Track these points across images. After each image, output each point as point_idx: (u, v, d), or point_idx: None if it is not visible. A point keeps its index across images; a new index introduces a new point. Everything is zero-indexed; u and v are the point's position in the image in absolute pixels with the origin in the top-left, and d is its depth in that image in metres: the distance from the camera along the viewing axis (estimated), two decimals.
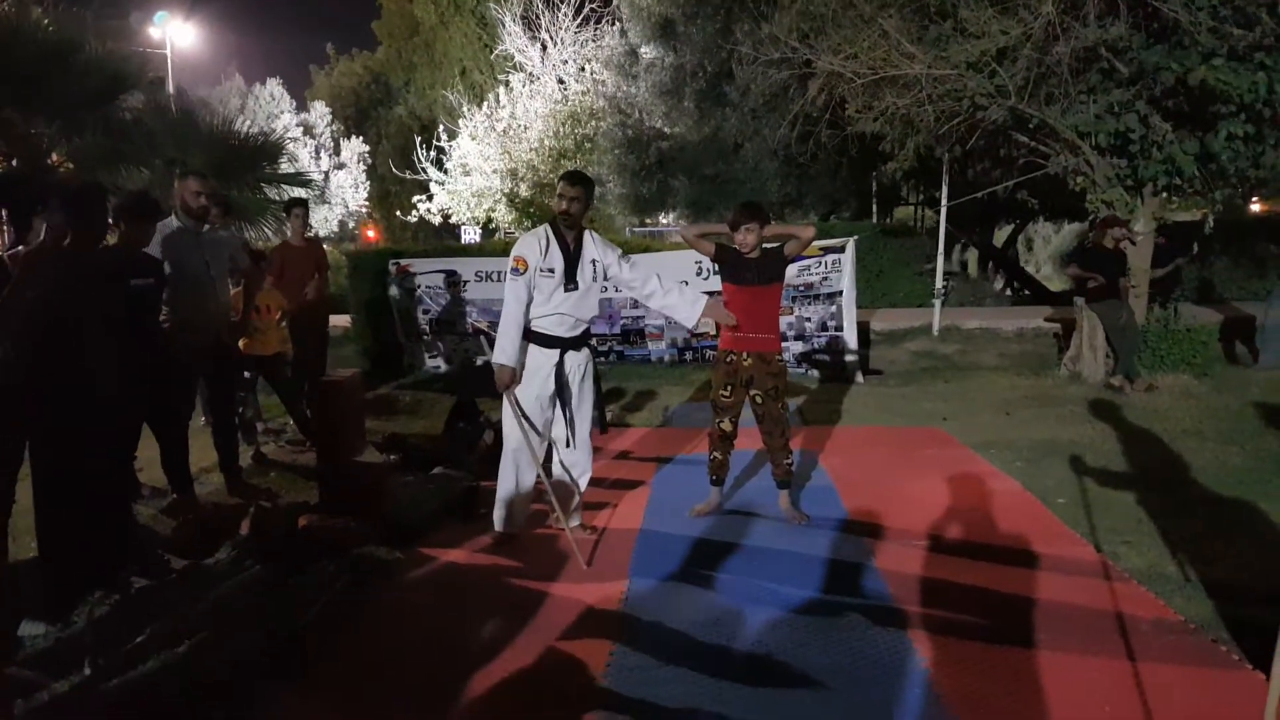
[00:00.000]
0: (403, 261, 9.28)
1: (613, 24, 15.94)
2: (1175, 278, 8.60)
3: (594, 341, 4.62)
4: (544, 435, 3.85)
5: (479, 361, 8.71)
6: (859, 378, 8.00)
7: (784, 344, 5.74)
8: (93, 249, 3.45)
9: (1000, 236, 19.13)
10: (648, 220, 17.23)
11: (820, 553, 3.57)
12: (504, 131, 16.47)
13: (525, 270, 3.65)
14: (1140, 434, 5.52)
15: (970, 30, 6.86)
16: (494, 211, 16.90)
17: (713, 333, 7.23)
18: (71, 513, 3.12)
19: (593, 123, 15.59)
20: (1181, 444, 5.17)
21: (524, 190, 16.30)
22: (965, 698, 2.43)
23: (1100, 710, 2.37)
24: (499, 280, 8.39)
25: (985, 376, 7.95)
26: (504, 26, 17.65)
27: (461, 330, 9.09)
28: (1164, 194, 7.24)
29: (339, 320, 9.31)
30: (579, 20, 17.23)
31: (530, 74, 17.32)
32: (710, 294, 4.11)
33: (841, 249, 8.02)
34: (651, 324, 8.73)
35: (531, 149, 16.17)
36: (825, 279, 8.11)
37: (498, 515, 3.89)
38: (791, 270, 5.84)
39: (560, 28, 17.18)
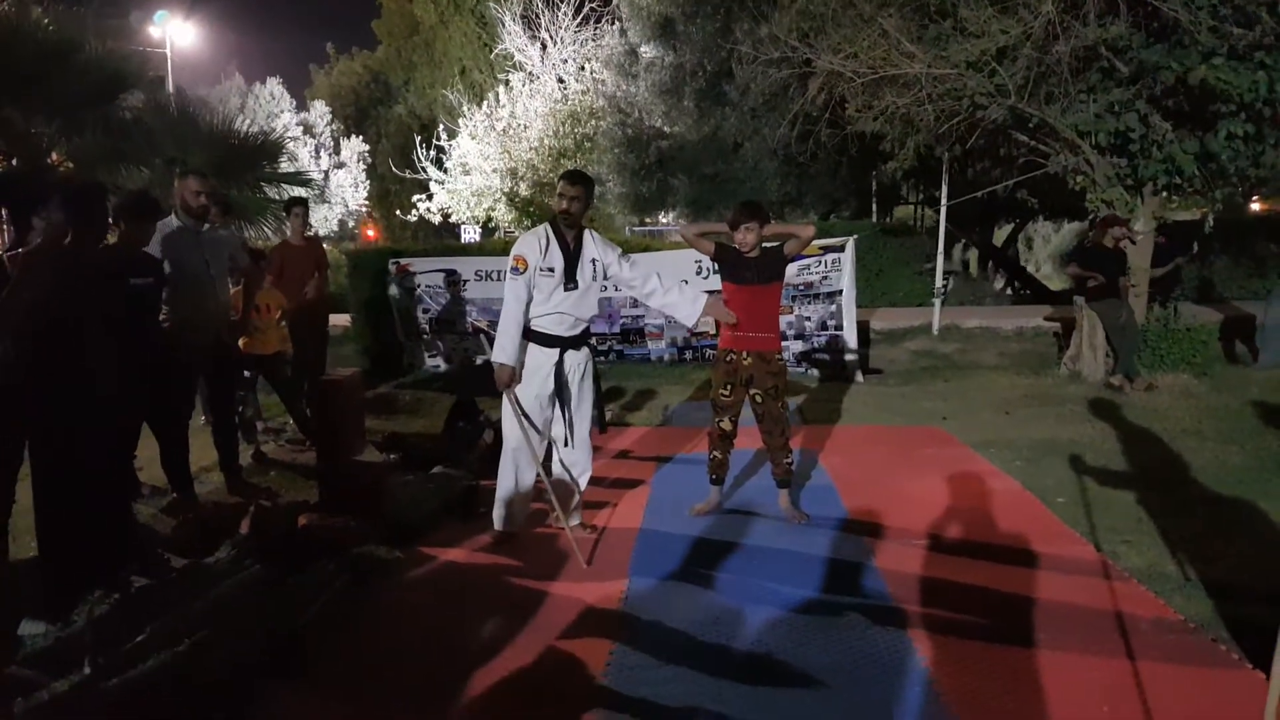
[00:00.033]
0: (402, 261, 9.28)
1: (612, 23, 15.93)
2: (1175, 277, 8.60)
3: (594, 340, 4.61)
4: (544, 434, 3.86)
5: (479, 361, 8.71)
6: (859, 377, 8.00)
7: (784, 343, 5.74)
8: (93, 248, 3.44)
9: (1000, 236, 19.15)
10: (647, 219, 17.24)
11: (820, 552, 3.57)
12: (504, 131, 16.47)
13: (525, 269, 3.66)
14: (1140, 433, 5.52)
15: (970, 29, 6.86)
16: (494, 211, 16.90)
17: (713, 332, 7.23)
18: (71, 512, 3.12)
19: (592, 122, 15.59)
20: (1181, 443, 5.17)
21: (524, 189, 16.30)
22: (965, 697, 2.43)
23: (1100, 709, 2.37)
24: (499, 279, 8.38)
25: (985, 376, 7.95)
26: (504, 26, 17.65)
27: (461, 329, 9.08)
28: (1164, 193, 7.25)
29: (339, 319, 9.30)
30: (579, 19, 17.23)
31: (530, 73, 17.32)
32: (710, 293, 4.11)
33: (841, 248, 8.02)
34: (651, 323, 8.73)
35: (531, 148, 16.17)
36: (825, 278, 8.11)
37: (497, 514, 3.89)
38: (791, 269, 5.84)
39: (560, 27, 17.18)
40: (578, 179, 3.80)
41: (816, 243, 7.13)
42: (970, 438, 5.53)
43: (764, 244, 4.00)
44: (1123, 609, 2.95)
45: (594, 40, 16.92)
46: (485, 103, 17.35)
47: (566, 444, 3.91)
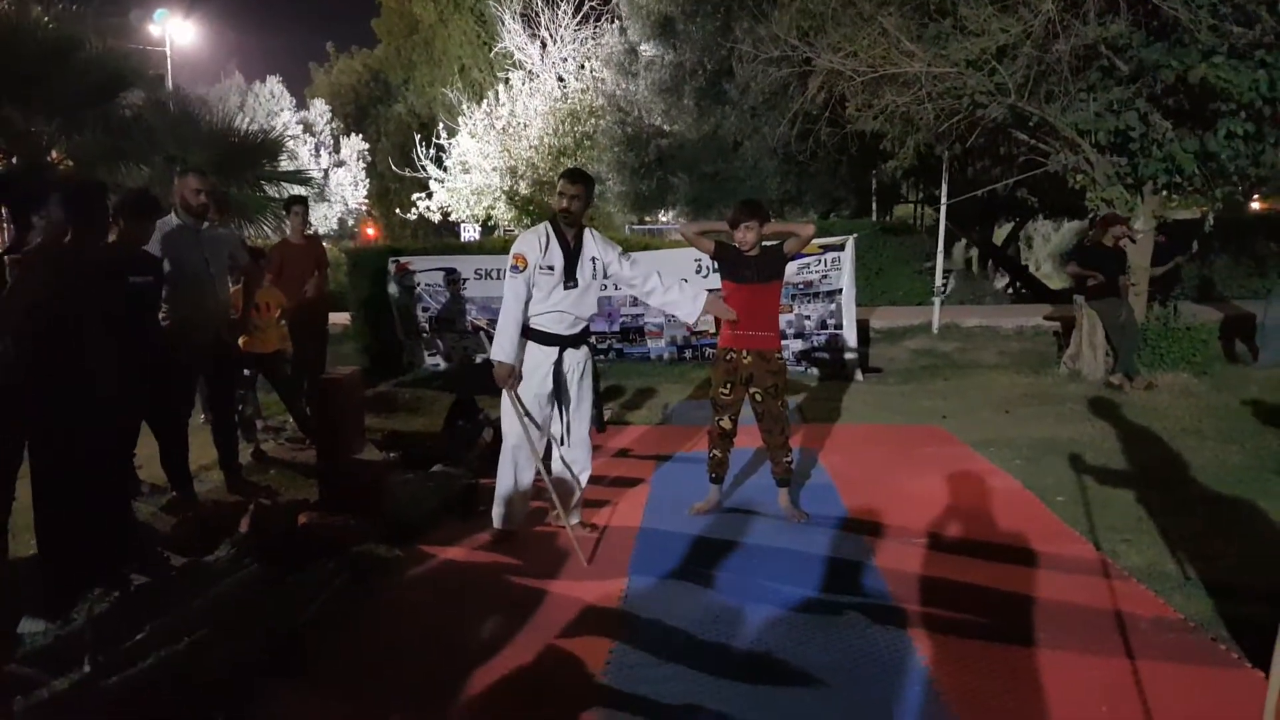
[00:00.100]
0: (402, 259, 9.28)
1: (612, 22, 15.94)
2: (1175, 276, 8.61)
3: (593, 339, 4.62)
4: (543, 432, 3.86)
5: (478, 359, 8.71)
6: (858, 375, 8.00)
7: (783, 342, 5.74)
8: (92, 247, 3.44)
9: (1000, 234, 19.15)
10: (647, 218, 17.24)
11: (820, 551, 3.57)
12: (503, 129, 16.48)
13: (525, 267, 3.65)
14: (1140, 432, 5.52)
15: (970, 28, 6.86)
16: (493, 209, 16.91)
17: (713, 330, 7.23)
18: (71, 511, 3.12)
19: (592, 120, 15.60)
20: (1181, 442, 5.17)
21: (523, 188, 16.31)
22: (965, 696, 2.43)
23: (1099, 708, 2.37)
24: (498, 278, 8.38)
25: (985, 374, 7.95)
26: (503, 24, 17.66)
27: (461, 328, 9.08)
28: (1164, 192, 7.25)
29: (338, 318, 9.29)
30: (578, 18, 17.25)
31: (530, 72, 17.33)
32: (710, 291, 4.11)
33: (841, 247, 8.02)
34: (651, 322, 8.73)
35: (531, 146, 16.17)
36: (825, 277, 8.11)
37: (497, 513, 3.89)
38: (791, 268, 5.85)
39: (560, 25, 17.19)
40: (578, 177, 3.80)
41: (816, 241, 7.13)
42: (970, 436, 5.53)
43: (764, 243, 3.99)
44: (1122, 608, 2.95)
45: (594, 39, 16.94)
46: (485, 101, 17.36)
47: (561, 443, 3.91)
